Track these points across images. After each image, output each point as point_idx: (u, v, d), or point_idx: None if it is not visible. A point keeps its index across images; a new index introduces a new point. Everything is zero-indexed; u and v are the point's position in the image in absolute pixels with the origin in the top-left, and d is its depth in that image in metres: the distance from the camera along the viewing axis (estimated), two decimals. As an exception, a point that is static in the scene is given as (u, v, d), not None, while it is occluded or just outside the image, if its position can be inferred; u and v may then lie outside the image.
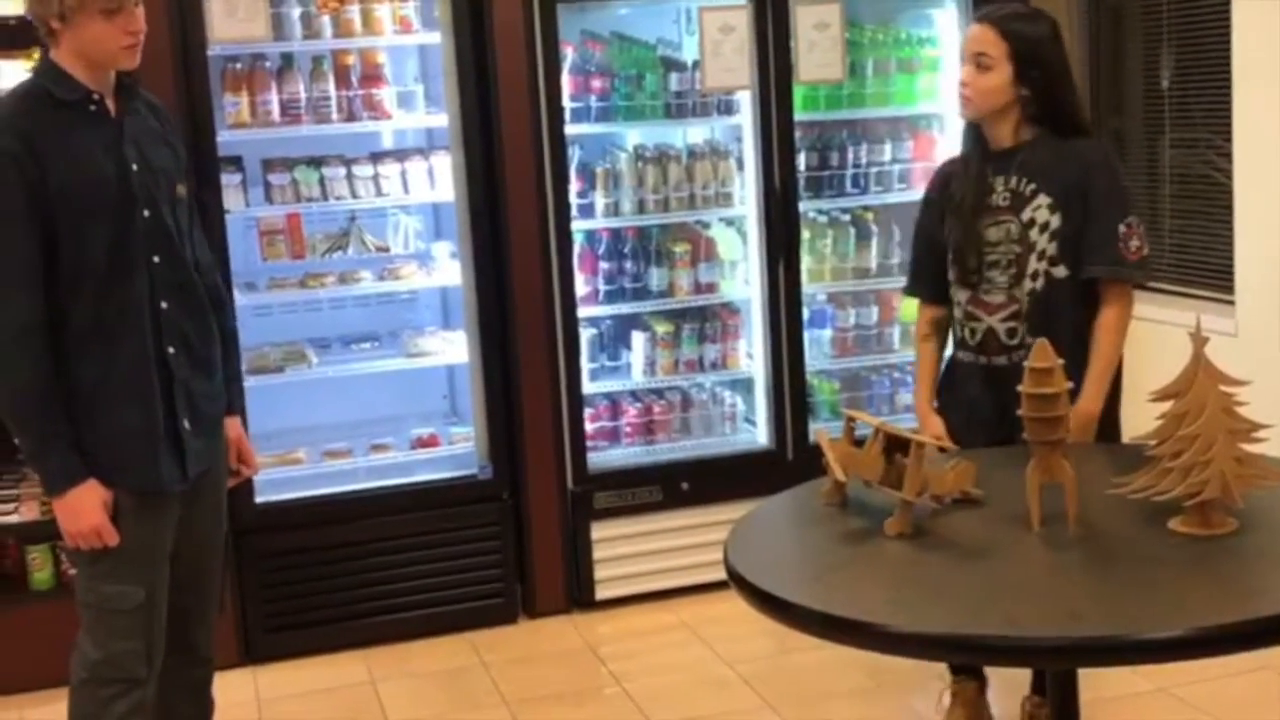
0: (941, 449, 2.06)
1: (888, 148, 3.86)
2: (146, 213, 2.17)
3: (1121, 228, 2.40)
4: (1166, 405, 1.88)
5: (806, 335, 3.79)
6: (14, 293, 2.09)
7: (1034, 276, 2.43)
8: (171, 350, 2.20)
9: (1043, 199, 2.43)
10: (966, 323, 2.50)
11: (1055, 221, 2.42)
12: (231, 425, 2.42)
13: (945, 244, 2.53)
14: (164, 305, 2.19)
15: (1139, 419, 1.98)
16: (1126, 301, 2.44)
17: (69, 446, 2.13)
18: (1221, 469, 1.79)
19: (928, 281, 2.62)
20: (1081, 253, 2.42)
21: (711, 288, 3.78)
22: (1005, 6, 2.56)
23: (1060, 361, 1.89)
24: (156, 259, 2.19)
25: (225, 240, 3.32)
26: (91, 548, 2.16)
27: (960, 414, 2.52)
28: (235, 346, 2.45)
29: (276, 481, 3.47)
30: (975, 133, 2.53)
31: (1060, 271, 2.43)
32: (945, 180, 2.58)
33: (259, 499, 3.42)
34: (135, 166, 2.17)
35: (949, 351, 2.60)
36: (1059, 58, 2.47)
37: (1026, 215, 2.44)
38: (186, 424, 2.23)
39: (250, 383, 3.41)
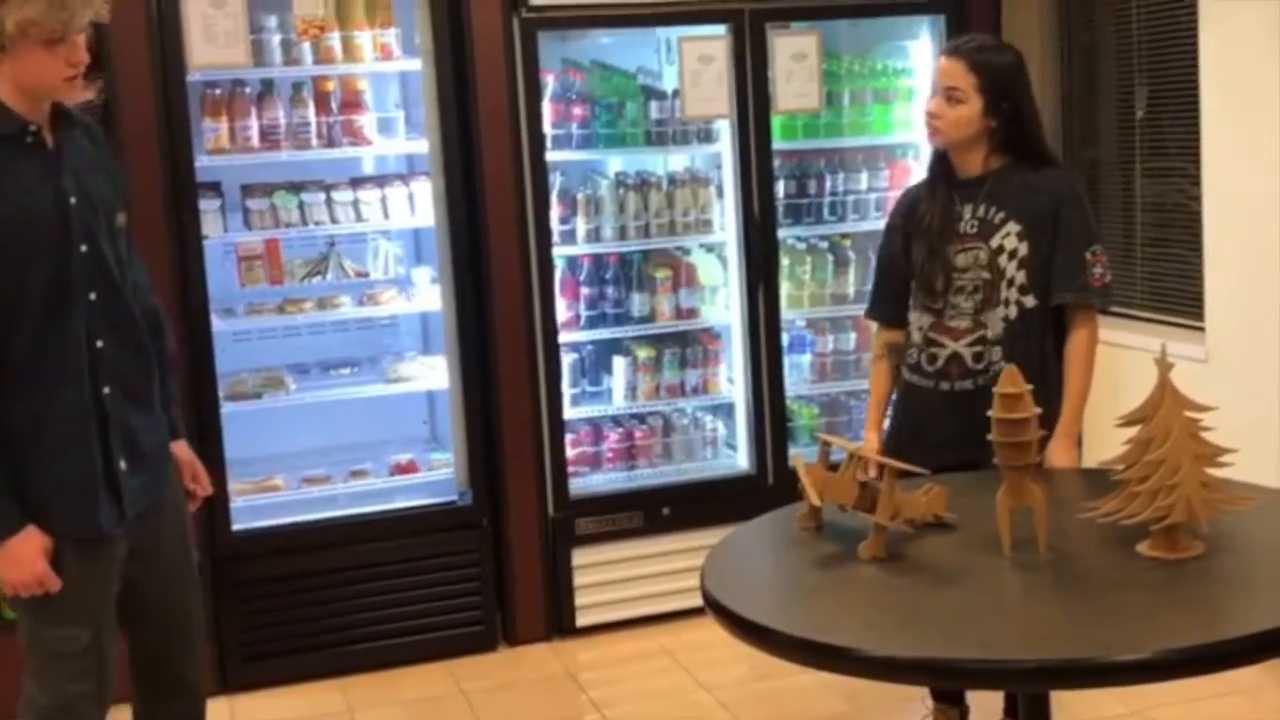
0: (913, 474, 2.07)
1: (864, 176, 3.90)
2: (84, 248, 2.10)
3: (1088, 255, 2.46)
4: (1134, 430, 1.90)
5: (786, 360, 3.81)
6: None
7: (1006, 304, 2.47)
8: (107, 390, 2.13)
9: (1011, 226, 2.47)
10: (926, 348, 2.53)
11: (1023, 250, 2.46)
12: (179, 448, 2.35)
13: (908, 269, 2.56)
14: (100, 344, 2.12)
15: (1107, 443, 2.00)
16: (1093, 327, 2.48)
17: (9, 493, 2.07)
18: (1188, 493, 1.82)
19: (888, 305, 2.65)
20: (1051, 280, 2.46)
21: (692, 313, 3.80)
22: (973, 39, 2.60)
23: (1029, 387, 1.92)
24: (93, 296, 2.11)
25: (203, 266, 3.32)
26: (32, 594, 2.11)
27: (916, 438, 2.53)
28: (175, 369, 2.36)
29: (254, 508, 3.46)
30: (942, 160, 2.56)
31: (1030, 301, 2.47)
32: (910, 206, 2.61)
33: (236, 526, 3.41)
34: (74, 199, 2.10)
35: (903, 376, 2.60)
36: (1026, 89, 2.52)
37: (995, 242, 2.48)
38: (123, 464, 2.16)
39: (228, 409, 3.41)
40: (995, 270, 2.47)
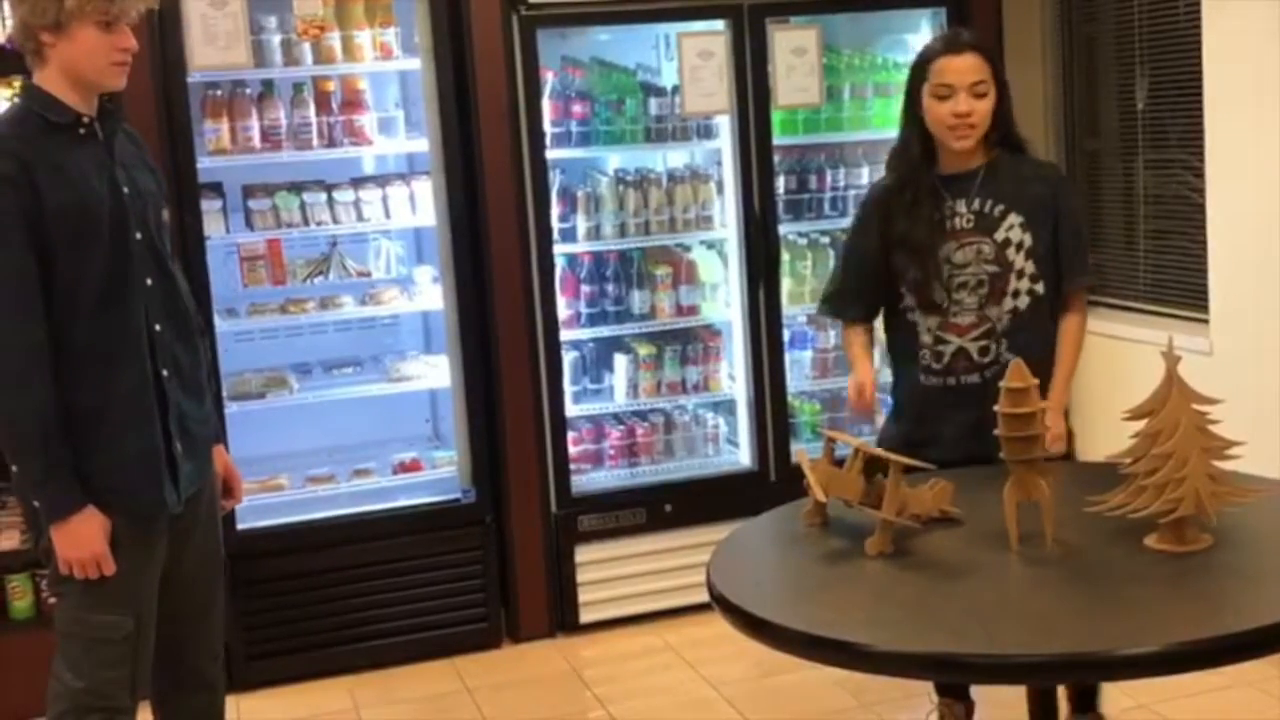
0: (919, 469, 2.06)
1: (865, 171, 3.89)
2: (139, 235, 2.18)
3: (1083, 238, 2.54)
4: (1141, 424, 1.90)
5: (787, 356, 3.81)
6: (19, 317, 2.08)
7: (1015, 295, 2.47)
8: (165, 373, 2.21)
9: (1013, 218, 2.48)
10: (934, 346, 2.51)
11: (1028, 240, 2.48)
12: (218, 454, 2.42)
13: (886, 273, 2.51)
14: (157, 328, 2.20)
15: (1113, 437, 2.00)
16: (1085, 305, 2.56)
17: (71, 472, 2.12)
18: (1195, 486, 1.82)
19: (858, 305, 2.59)
20: (1062, 265, 2.50)
21: (693, 310, 3.80)
22: (964, 31, 2.63)
23: (1035, 381, 1.92)
24: (149, 281, 2.19)
25: (206, 266, 3.32)
26: (85, 576, 2.15)
27: (930, 435, 2.50)
28: (215, 375, 2.45)
29: (259, 508, 3.46)
30: (921, 157, 2.49)
31: (1040, 288, 2.49)
32: (886, 211, 2.53)
33: (241, 525, 3.41)
34: (126, 189, 2.18)
35: (914, 377, 2.54)
36: None
37: (1000, 235, 2.48)
38: (179, 446, 2.23)
39: (232, 409, 3.41)
40: (1003, 263, 2.47)
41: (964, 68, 2.45)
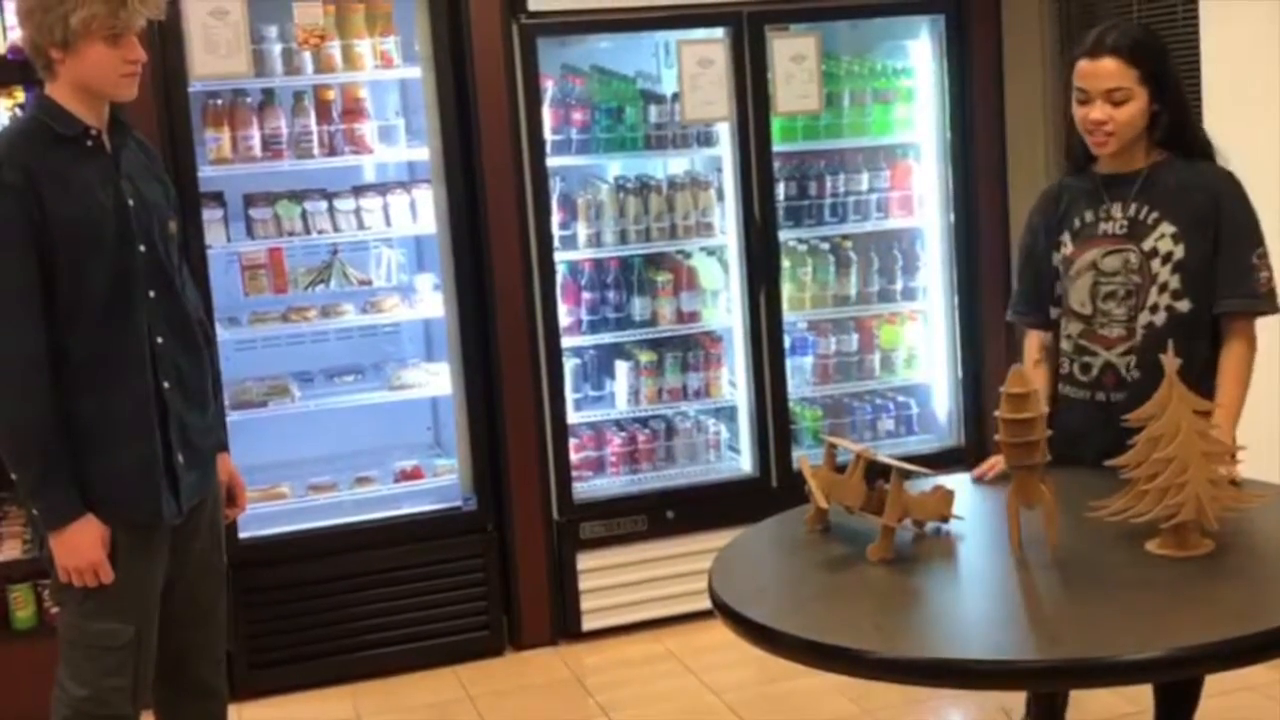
0: (919, 474, 2.06)
1: (865, 177, 3.90)
2: (143, 248, 2.19)
3: (1253, 259, 2.29)
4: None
5: (788, 363, 3.81)
6: (18, 326, 2.09)
7: (1153, 310, 2.28)
8: (166, 385, 2.22)
9: (1165, 228, 2.29)
10: (1078, 357, 2.35)
11: (1179, 253, 2.28)
12: (222, 463, 2.43)
13: (1051, 270, 2.40)
14: (159, 340, 2.21)
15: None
16: (1252, 336, 2.31)
17: (69, 481, 2.13)
18: (1197, 491, 1.82)
19: (1033, 307, 2.47)
20: (1215, 286, 2.28)
21: (694, 316, 3.81)
22: (1112, 29, 2.38)
23: (1036, 387, 1.92)
24: (153, 294, 2.20)
25: (207, 275, 3.32)
26: (84, 584, 2.16)
27: (1072, 451, 2.24)
28: (219, 384, 2.45)
29: (261, 516, 3.46)
30: (1083, 156, 2.38)
31: (1184, 305, 2.28)
32: (1047, 203, 2.44)
33: (243, 534, 3.41)
34: (131, 202, 2.19)
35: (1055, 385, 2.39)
36: (1177, 72, 2.38)
37: (1148, 245, 2.29)
38: (180, 458, 2.24)
39: (233, 417, 3.42)
40: (1146, 274, 2.28)
41: (1098, 73, 2.27)
